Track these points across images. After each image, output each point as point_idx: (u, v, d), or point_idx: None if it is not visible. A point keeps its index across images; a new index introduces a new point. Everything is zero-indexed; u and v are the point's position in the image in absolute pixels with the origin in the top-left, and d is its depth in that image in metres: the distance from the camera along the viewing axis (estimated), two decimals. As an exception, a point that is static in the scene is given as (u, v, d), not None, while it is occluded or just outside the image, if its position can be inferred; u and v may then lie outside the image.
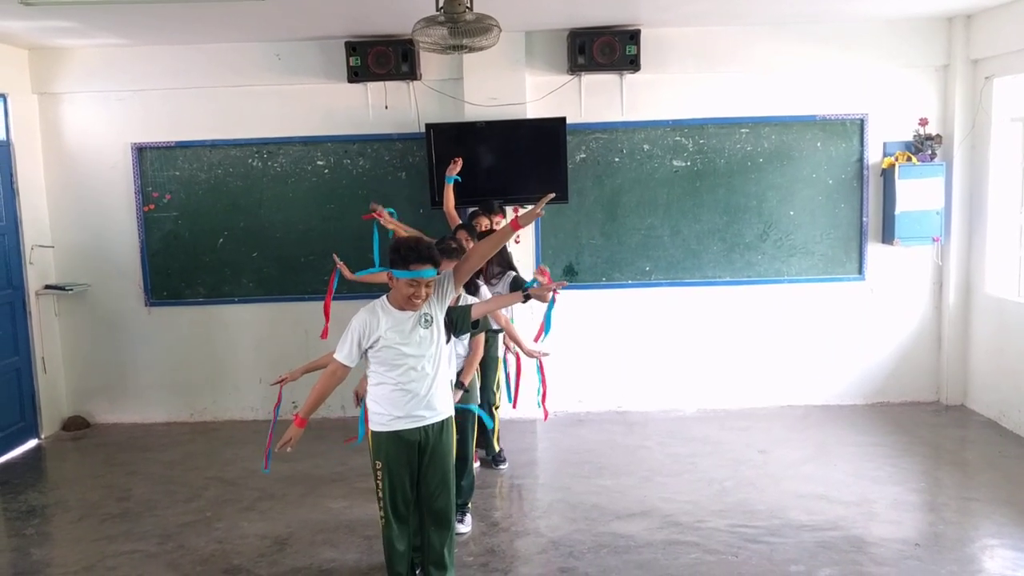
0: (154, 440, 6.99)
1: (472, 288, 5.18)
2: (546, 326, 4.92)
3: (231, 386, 7.43)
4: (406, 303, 3.68)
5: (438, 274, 3.72)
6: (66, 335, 7.36)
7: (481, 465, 5.98)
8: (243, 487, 5.84)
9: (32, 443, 7.00)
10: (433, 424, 3.81)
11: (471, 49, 5.00)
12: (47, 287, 7.15)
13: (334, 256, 5.37)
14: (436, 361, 3.78)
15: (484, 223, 6.03)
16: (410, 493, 3.87)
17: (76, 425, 7.33)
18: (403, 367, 3.71)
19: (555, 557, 4.62)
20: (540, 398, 5.48)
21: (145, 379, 7.41)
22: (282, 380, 4.52)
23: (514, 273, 5.83)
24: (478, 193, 6.60)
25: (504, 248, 5.76)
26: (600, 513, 5.18)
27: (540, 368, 5.48)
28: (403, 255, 3.60)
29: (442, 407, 3.85)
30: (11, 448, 6.73)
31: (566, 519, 5.12)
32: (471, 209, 6.26)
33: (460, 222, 5.97)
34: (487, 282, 5.70)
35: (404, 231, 5.64)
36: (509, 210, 6.93)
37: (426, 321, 3.70)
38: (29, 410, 7.01)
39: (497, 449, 6.07)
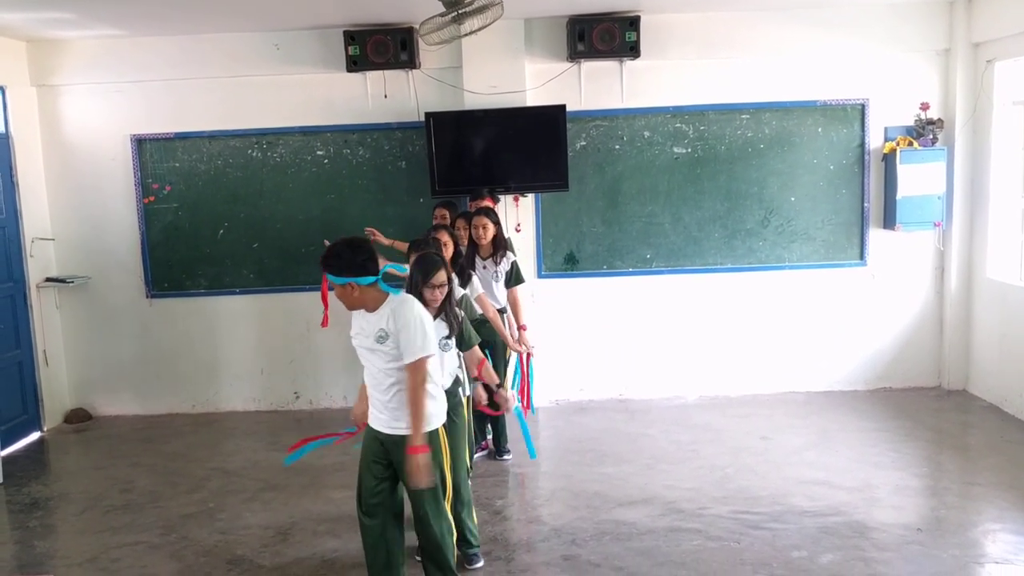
0: (156, 432, 7.00)
1: (465, 278, 5.19)
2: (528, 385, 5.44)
3: (233, 377, 7.43)
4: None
5: (376, 280, 3.60)
6: (67, 328, 7.37)
7: (488, 455, 5.99)
8: (245, 478, 5.85)
9: (35, 436, 7.01)
10: (392, 435, 3.71)
11: (480, 29, 5.01)
12: (48, 280, 7.16)
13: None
14: (377, 381, 3.69)
15: (440, 213, 6.13)
16: (377, 488, 3.77)
17: (78, 417, 7.34)
18: (364, 368, 3.78)
19: (557, 545, 4.63)
20: (519, 392, 5.48)
21: (147, 371, 7.41)
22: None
23: (513, 257, 5.82)
24: (478, 182, 6.60)
25: (500, 232, 5.76)
26: (602, 501, 5.18)
27: (521, 363, 5.49)
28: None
29: (399, 425, 3.70)
30: (14, 441, 6.73)
31: (568, 507, 5.12)
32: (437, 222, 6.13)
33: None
34: (483, 260, 5.71)
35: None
36: (510, 199, 6.93)
37: (379, 337, 3.62)
38: (31, 403, 7.02)
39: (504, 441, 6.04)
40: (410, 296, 3.75)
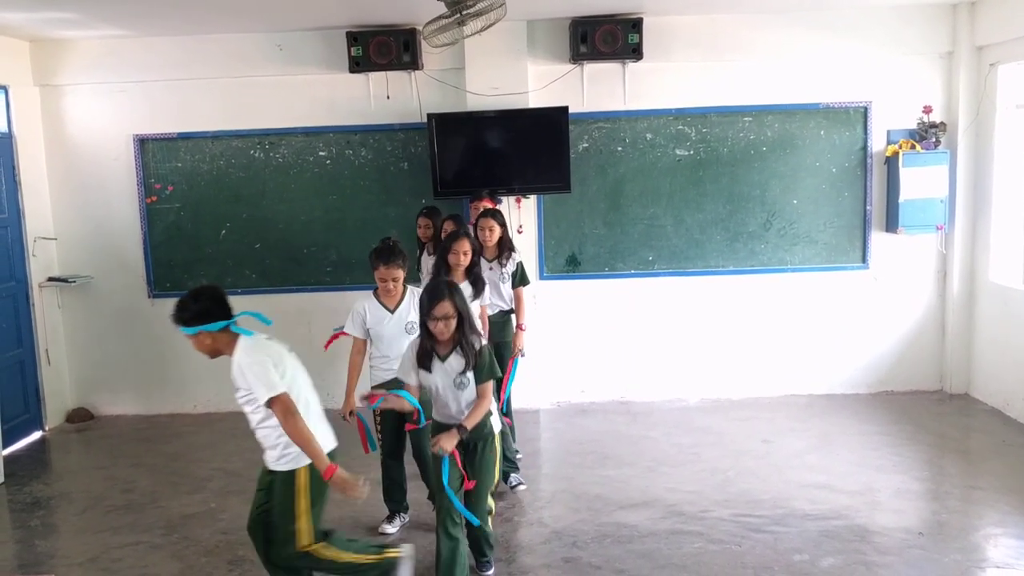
0: (158, 432, 7.00)
1: (479, 288, 5.12)
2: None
3: (234, 377, 7.42)
4: None
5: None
6: (69, 327, 7.37)
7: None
8: (247, 478, 5.82)
9: (36, 435, 7.02)
10: (267, 468, 3.76)
11: (483, 30, 5.02)
12: (50, 279, 7.16)
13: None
14: (249, 414, 3.74)
15: (424, 223, 6.12)
16: (256, 511, 3.82)
17: (80, 417, 7.34)
18: None
19: (558, 547, 4.62)
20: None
21: (148, 371, 7.42)
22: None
23: (519, 258, 5.80)
24: (480, 183, 6.59)
25: (505, 233, 5.73)
26: (603, 503, 5.18)
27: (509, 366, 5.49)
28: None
29: (269, 460, 3.74)
30: (16, 440, 6.73)
31: (569, 509, 5.12)
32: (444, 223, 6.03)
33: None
34: (488, 261, 5.67)
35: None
36: (511, 199, 6.93)
37: (233, 382, 3.69)
38: (33, 402, 7.03)
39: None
40: (256, 341, 3.69)
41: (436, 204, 6.82)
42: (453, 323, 3.85)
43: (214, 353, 3.74)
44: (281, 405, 3.56)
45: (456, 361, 3.92)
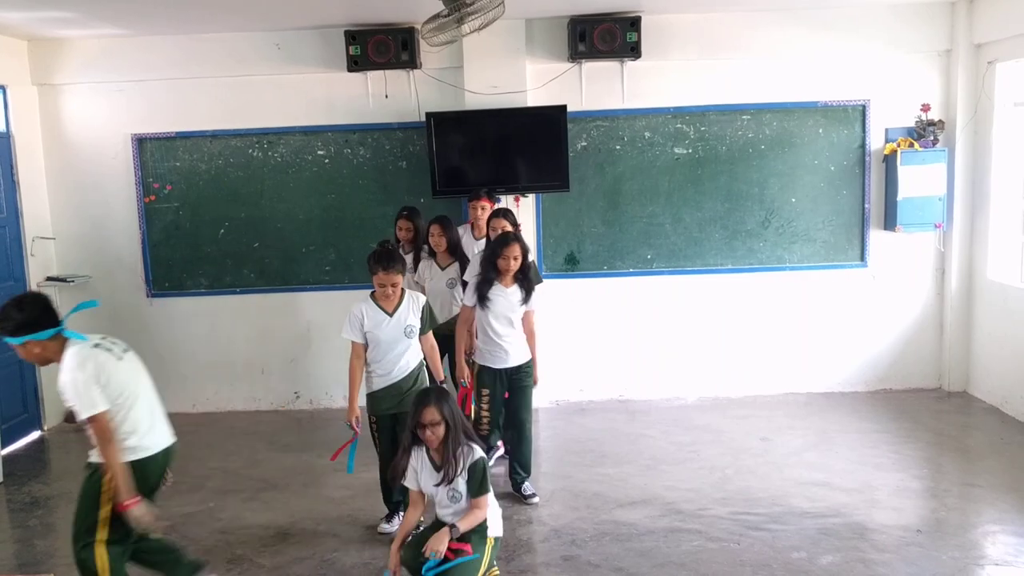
0: (157, 431, 6.99)
1: (530, 290, 5.07)
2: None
3: (233, 377, 7.43)
4: None
5: None
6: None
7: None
8: (245, 477, 5.85)
9: (35, 435, 7.02)
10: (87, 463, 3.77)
11: (481, 28, 5.02)
12: (49, 279, 7.15)
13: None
14: None
15: (405, 226, 6.07)
16: None
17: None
18: None
19: (557, 545, 4.63)
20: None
21: (147, 370, 7.39)
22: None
23: (531, 257, 5.77)
24: (479, 182, 6.60)
25: (521, 241, 5.65)
26: (602, 501, 5.19)
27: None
28: None
29: (91, 455, 3.75)
30: (14, 440, 6.73)
31: (568, 507, 5.13)
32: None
33: None
34: None
35: None
36: (510, 199, 6.93)
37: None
38: (32, 402, 7.02)
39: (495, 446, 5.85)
40: (82, 350, 3.62)
41: (436, 204, 6.85)
42: (441, 430, 3.76)
43: (43, 362, 3.67)
44: (98, 427, 3.53)
45: (437, 473, 3.85)
